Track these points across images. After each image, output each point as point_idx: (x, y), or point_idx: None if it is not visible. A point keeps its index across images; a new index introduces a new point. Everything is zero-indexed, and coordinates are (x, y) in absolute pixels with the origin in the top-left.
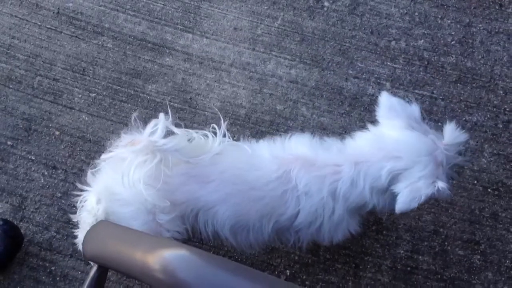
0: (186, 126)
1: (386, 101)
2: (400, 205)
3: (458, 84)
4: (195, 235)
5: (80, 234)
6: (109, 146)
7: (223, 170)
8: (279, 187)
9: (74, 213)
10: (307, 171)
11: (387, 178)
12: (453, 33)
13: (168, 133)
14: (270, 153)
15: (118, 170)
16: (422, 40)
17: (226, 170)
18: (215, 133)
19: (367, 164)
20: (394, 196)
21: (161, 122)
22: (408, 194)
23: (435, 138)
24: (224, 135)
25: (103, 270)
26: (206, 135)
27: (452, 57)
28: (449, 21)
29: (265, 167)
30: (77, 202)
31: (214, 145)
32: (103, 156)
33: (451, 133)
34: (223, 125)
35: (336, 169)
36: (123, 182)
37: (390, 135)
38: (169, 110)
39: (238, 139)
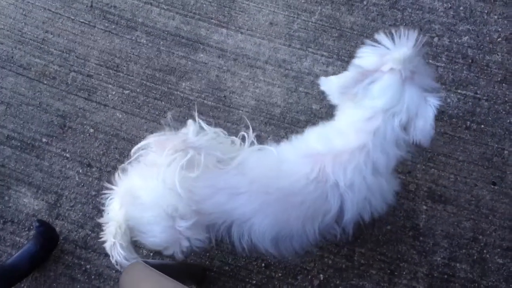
0: (220, 125)
1: (331, 84)
2: (419, 137)
3: (504, 84)
4: (219, 244)
5: (106, 238)
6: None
7: (252, 180)
8: (318, 188)
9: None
10: (341, 164)
11: (401, 131)
12: (499, 29)
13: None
14: (297, 155)
15: (144, 175)
16: (467, 37)
17: (255, 180)
18: (243, 139)
19: (381, 129)
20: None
21: (193, 125)
22: (420, 125)
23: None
24: (252, 143)
25: None
26: (233, 142)
27: (498, 55)
28: (495, 17)
29: (298, 170)
30: (105, 203)
31: (243, 149)
32: (134, 151)
33: (398, 44)
34: (251, 134)
35: (363, 149)
36: (158, 179)
37: (369, 103)
38: (197, 118)
39: (264, 141)
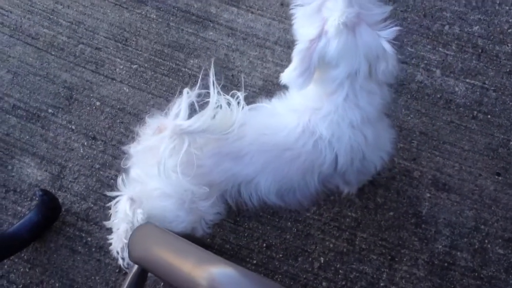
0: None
1: (289, 76)
2: (384, 79)
3: None
4: (239, 209)
5: (114, 241)
6: (137, 134)
7: (251, 141)
8: (309, 140)
9: (111, 189)
10: (319, 119)
11: (368, 81)
12: (510, 20)
13: (203, 103)
14: (286, 108)
15: (150, 164)
16: (477, 26)
17: (254, 140)
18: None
19: (349, 93)
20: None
21: (184, 100)
22: (383, 67)
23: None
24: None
25: (144, 271)
26: (229, 102)
27: (508, 46)
28: (507, 7)
29: (287, 125)
30: (110, 207)
31: (238, 115)
32: (132, 150)
33: None
34: (241, 95)
35: (336, 110)
36: (159, 173)
37: (332, 74)
38: (199, 80)
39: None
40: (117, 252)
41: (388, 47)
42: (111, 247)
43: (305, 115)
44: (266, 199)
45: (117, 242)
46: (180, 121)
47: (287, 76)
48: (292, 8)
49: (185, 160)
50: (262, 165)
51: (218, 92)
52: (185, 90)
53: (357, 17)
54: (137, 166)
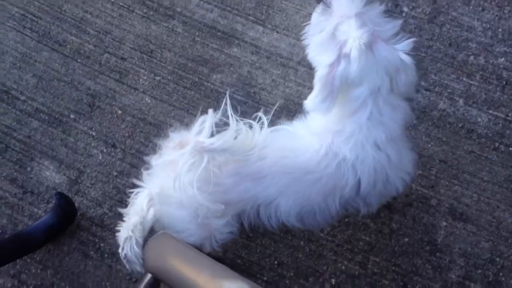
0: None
1: (312, 103)
2: (404, 91)
3: None
4: (253, 229)
5: (122, 229)
6: (158, 147)
7: (272, 163)
8: (331, 163)
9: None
10: (343, 140)
11: (390, 95)
12: None
13: (222, 125)
14: (307, 131)
15: (170, 174)
16: (503, 59)
17: (275, 162)
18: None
19: (374, 110)
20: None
21: (209, 119)
22: (403, 80)
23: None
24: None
25: (157, 281)
26: (251, 125)
27: None
28: None
29: (309, 147)
30: (129, 197)
31: (259, 138)
32: (153, 162)
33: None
34: (265, 118)
35: (358, 119)
36: (175, 187)
37: (355, 93)
38: (223, 104)
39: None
40: (121, 241)
41: (406, 58)
42: (117, 234)
43: (328, 137)
44: (286, 221)
45: (124, 231)
46: (202, 138)
47: (310, 103)
48: (303, 39)
49: (203, 177)
50: (283, 187)
51: (236, 120)
52: (210, 110)
53: (372, 35)
54: (160, 174)
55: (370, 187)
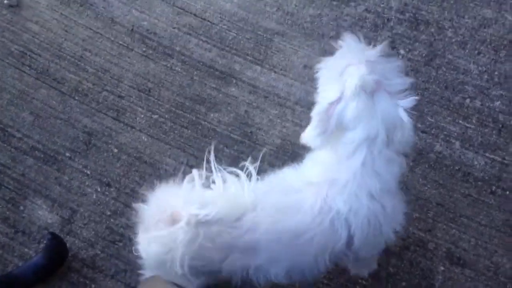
0: (243, 160)
1: (309, 136)
2: (401, 148)
3: None
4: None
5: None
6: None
7: (264, 230)
8: (325, 218)
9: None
10: (337, 192)
11: (386, 148)
12: None
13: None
14: (301, 181)
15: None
16: (499, 102)
17: (267, 229)
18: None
19: (368, 157)
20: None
21: (197, 183)
22: (399, 137)
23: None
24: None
25: None
26: (237, 175)
27: None
28: None
29: (304, 204)
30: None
31: (250, 195)
32: (140, 237)
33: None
34: (252, 168)
35: (354, 179)
36: (175, 267)
37: (350, 136)
38: (205, 163)
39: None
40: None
41: (405, 116)
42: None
43: (323, 190)
44: (274, 280)
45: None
46: (195, 210)
47: (306, 136)
48: (316, 71)
49: (197, 253)
50: (275, 254)
51: (222, 178)
52: (194, 170)
53: (376, 84)
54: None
55: (363, 240)
